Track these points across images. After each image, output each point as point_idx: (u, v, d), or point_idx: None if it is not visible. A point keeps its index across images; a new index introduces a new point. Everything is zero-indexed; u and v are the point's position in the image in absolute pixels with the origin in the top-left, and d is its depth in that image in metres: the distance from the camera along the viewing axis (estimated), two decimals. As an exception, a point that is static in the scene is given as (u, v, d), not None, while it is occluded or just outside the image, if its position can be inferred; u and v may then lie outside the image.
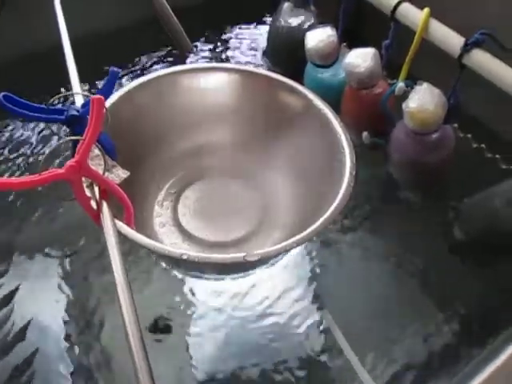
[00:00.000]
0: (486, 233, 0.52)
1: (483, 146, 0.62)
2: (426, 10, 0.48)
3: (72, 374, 0.43)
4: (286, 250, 0.38)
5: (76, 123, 0.39)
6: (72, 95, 0.43)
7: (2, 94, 0.38)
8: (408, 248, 0.53)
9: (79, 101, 0.41)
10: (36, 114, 0.38)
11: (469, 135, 0.63)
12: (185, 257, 0.36)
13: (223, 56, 0.72)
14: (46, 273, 0.50)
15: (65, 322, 0.46)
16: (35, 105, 0.39)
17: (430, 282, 0.50)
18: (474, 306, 0.49)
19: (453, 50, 0.46)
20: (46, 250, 0.51)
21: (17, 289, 0.48)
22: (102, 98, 0.35)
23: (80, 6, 0.59)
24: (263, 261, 0.39)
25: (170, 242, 0.49)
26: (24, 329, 0.44)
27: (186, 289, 0.49)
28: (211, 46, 0.73)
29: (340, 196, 0.41)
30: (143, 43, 0.71)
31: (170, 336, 0.46)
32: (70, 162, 0.35)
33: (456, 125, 0.63)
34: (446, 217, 0.54)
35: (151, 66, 0.69)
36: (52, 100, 0.39)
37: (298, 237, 0.38)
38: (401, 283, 0.51)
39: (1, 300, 0.46)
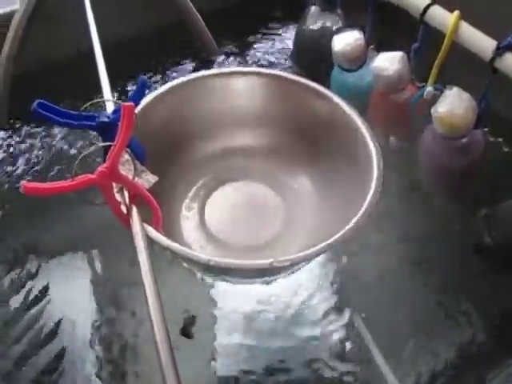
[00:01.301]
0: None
1: (515, 150, 0.61)
2: (456, 12, 0.47)
3: (100, 372, 0.44)
4: (313, 256, 0.38)
5: (106, 129, 0.40)
6: (103, 102, 0.45)
7: (37, 101, 0.39)
8: (436, 253, 0.52)
9: (110, 107, 0.42)
10: (68, 121, 0.39)
11: (500, 139, 0.62)
12: (212, 263, 0.36)
13: (249, 59, 0.72)
14: (75, 273, 0.51)
15: (93, 321, 0.47)
16: (67, 111, 0.40)
17: (459, 288, 0.50)
18: (506, 314, 0.48)
19: (484, 54, 0.45)
20: (75, 251, 0.53)
21: (47, 288, 0.49)
22: (133, 104, 0.36)
23: (106, 12, 0.60)
24: (291, 266, 0.40)
25: (197, 245, 0.49)
26: (54, 328, 0.46)
27: (212, 290, 0.50)
28: (238, 49, 0.73)
29: (367, 202, 0.41)
30: (171, 48, 0.72)
31: (195, 337, 0.47)
32: (101, 168, 0.36)
33: (486, 129, 0.62)
34: (476, 222, 0.53)
35: (179, 70, 0.70)
36: (84, 107, 0.39)
37: (326, 243, 0.38)
38: (429, 288, 0.50)
39: (32, 300, 0.48)
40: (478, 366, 0.45)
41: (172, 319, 0.47)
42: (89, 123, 0.40)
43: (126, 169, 0.40)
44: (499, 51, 0.44)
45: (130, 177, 0.39)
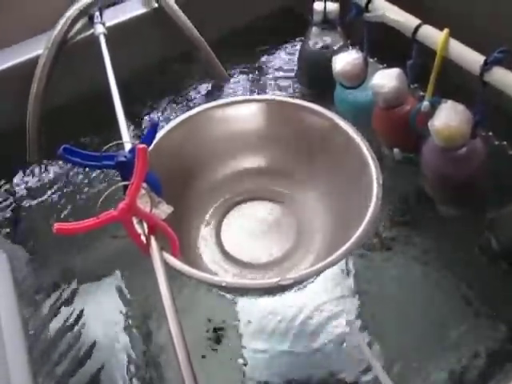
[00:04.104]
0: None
1: (520, 152, 0.62)
2: (446, 30, 0.49)
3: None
4: (317, 273, 0.41)
5: (125, 167, 0.44)
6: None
7: (63, 146, 0.44)
8: (445, 261, 0.54)
9: (127, 147, 0.47)
10: (91, 163, 0.44)
11: (504, 142, 0.63)
12: (224, 284, 0.40)
13: (258, 81, 0.76)
14: (109, 296, 0.55)
15: (127, 342, 0.51)
16: (89, 153, 0.45)
17: (470, 295, 0.51)
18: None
19: (473, 69, 0.47)
20: (107, 275, 0.57)
21: (83, 312, 0.54)
22: (146, 147, 0.40)
23: (120, 48, 0.66)
24: (298, 283, 0.43)
25: (216, 266, 0.53)
26: (90, 349, 0.50)
27: (233, 305, 0.53)
28: (246, 73, 0.77)
29: (366, 219, 0.44)
30: (183, 76, 0.76)
31: (222, 347, 0.50)
32: (121, 205, 0.40)
33: (491, 133, 0.64)
34: (482, 228, 0.55)
35: (192, 97, 0.74)
36: (104, 149, 0.44)
37: (327, 260, 0.41)
38: (439, 297, 0.52)
39: (71, 323, 0.52)
40: (488, 371, 0.46)
41: (200, 330, 0.51)
42: (108, 163, 0.44)
43: (144, 201, 0.44)
44: (487, 66, 0.46)
45: (148, 209, 0.43)
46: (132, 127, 0.70)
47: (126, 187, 0.41)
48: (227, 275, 0.52)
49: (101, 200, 0.40)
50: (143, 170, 0.40)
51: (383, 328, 0.50)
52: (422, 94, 0.62)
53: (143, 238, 0.42)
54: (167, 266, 0.41)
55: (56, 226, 0.37)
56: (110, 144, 0.45)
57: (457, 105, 0.50)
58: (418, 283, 0.54)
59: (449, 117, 0.50)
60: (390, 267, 0.55)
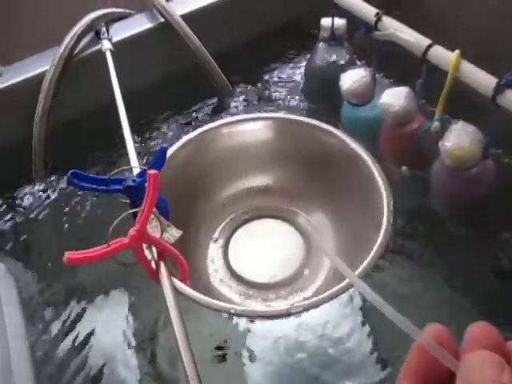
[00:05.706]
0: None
1: (530, 170, 0.61)
2: (457, 52, 0.49)
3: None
4: (327, 301, 0.41)
5: (133, 192, 0.43)
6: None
7: (71, 171, 0.43)
8: (455, 281, 0.54)
9: (136, 170, 0.46)
10: (99, 187, 0.44)
11: (514, 160, 0.63)
12: (233, 311, 0.40)
13: (263, 96, 0.75)
14: (117, 315, 0.55)
15: (137, 361, 0.50)
16: (97, 177, 0.44)
17: (482, 316, 0.51)
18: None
19: (486, 91, 0.47)
20: (116, 295, 0.57)
21: (91, 332, 0.53)
22: (157, 173, 0.39)
23: (124, 63, 0.66)
24: (308, 309, 0.42)
25: (224, 287, 0.53)
26: (100, 369, 0.50)
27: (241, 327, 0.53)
28: (251, 88, 0.76)
29: (378, 242, 0.43)
30: (186, 92, 0.75)
31: (227, 371, 0.50)
32: (132, 232, 0.39)
33: (500, 150, 0.63)
34: (495, 248, 0.55)
35: (199, 112, 0.74)
36: (112, 173, 0.44)
37: (338, 286, 0.41)
38: (449, 316, 0.52)
39: (79, 344, 0.52)
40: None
41: (208, 350, 0.50)
42: (117, 187, 0.44)
43: (153, 226, 0.44)
44: (500, 89, 0.46)
45: (156, 233, 0.43)
46: (138, 143, 0.70)
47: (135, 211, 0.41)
48: (235, 295, 0.51)
49: (111, 229, 0.39)
50: (154, 196, 0.40)
51: (389, 344, 0.50)
52: (430, 109, 0.62)
53: (153, 263, 0.42)
54: (176, 292, 0.41)
55: (67, 255, 0.37)
56: (117, 170, 0.45)
57: (468, 125, 0.50)
58: (428, 303, 0.53)
59: (460, 138, 0.49)
60: (398, 287, 0.55)
